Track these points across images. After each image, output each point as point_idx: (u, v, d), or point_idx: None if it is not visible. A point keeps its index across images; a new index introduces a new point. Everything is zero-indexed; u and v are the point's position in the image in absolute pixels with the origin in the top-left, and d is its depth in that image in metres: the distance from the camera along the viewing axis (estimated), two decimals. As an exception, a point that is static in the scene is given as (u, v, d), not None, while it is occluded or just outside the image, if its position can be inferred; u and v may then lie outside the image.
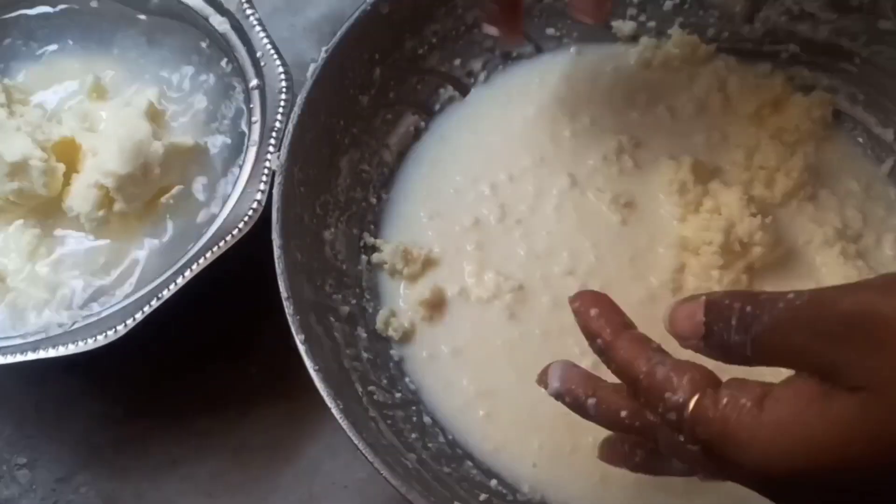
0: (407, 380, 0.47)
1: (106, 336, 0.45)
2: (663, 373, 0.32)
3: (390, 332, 0.48)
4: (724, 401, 0.30)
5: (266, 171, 0.49)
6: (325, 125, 0.48)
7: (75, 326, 0.46)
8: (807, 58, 0.54)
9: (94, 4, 0.60)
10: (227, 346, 0.54)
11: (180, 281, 0.46)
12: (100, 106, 0.56)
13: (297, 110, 0.46)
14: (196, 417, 0.52)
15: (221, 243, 0.47)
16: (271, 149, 0.50)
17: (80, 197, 0.52)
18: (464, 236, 0.50)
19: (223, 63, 0.58)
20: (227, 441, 0.52)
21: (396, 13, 0.50)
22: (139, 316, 0.46)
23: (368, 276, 0.50)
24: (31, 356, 0.46)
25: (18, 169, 0.52)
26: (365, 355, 0.46)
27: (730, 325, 0.30)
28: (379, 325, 0.48)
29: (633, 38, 0.56)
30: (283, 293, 0.42)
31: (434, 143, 0.54)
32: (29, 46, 0.61)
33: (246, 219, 0.48)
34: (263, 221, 0.47)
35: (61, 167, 0.53)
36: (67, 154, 0.54)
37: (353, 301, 0.48)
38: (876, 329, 0.27)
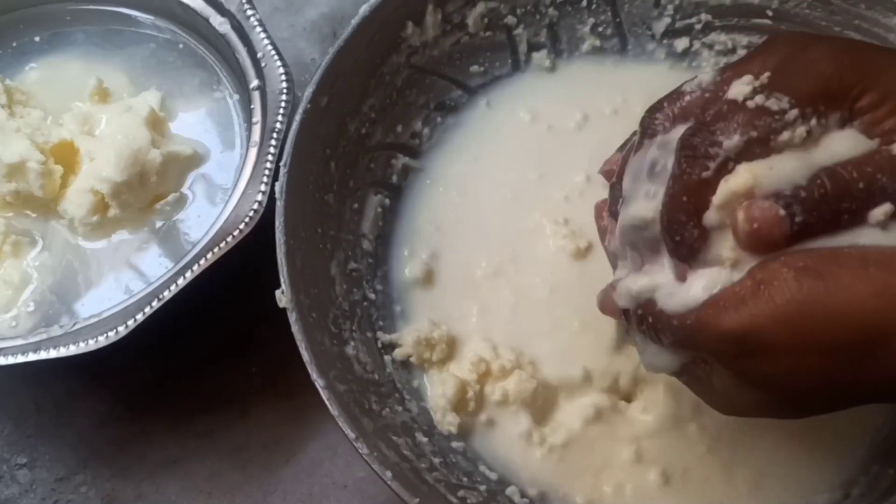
0: (482, 467, 0.45)
1: (107, 337, 0.45)
2: None
3: (447, 428, 0.46)
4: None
5: (267, 171, 0.49)
6: (307, 239, 0.46)
7: (76, 327, 0.46)
8: (720, 22, 0.54)
9: (97, 7, 0.60)
10: (227, 346, 0.54)
11: (181, 282, 0.46)
12: (101, 109, 0.56)
13: (280, 237, 0.43)
14: (196, 417, 0.53)
15: (222, 244, 0.47)
16: (272, 150, 0.50)
17: (74, 201, 0.53)
18: (469, 299, 0.50)
19: (224, 65, 0.59)
20: (227, 441, 0.52)
21: (335, 100, 0.48)
22: (140, 317, 0.46)
23: (399, 375, 0.48)
24: (32, 357, 0.46)
25: (16, 170, 0.52)
26: (436, 460, 0.44)
27: (642, 327, 0.35)
28: (438, 426, 0.46)
29: (551, 69, 0.57)
30: (351, 434, 0.39)
31: (402, 212, 0.53)
32: (31, 47, 0.61)
33: (247, 220, 0.48)
34: (264, 223, 0.47)
35: (59, 170, 0.53)
36: (66, 157, 0.54)
37: (399, 408, 0.46)
38: (756, 342, 0.30)
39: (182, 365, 0.53)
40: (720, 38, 0.55)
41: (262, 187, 0.49)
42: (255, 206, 0.48)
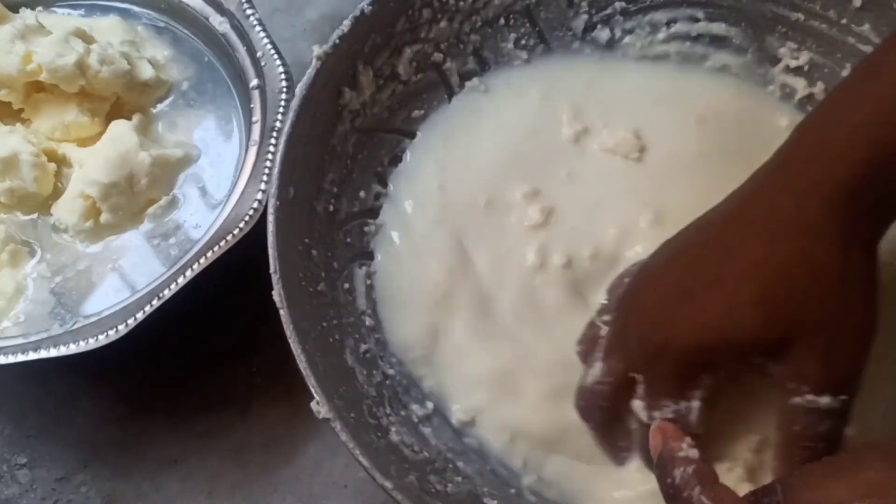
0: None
1: (107, 336, 0.45)
2: None
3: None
4: None
5: (267, 171, 0.49)
6: (318, 338, 0.44)
7: (76, 326, 0.46)
8: (634, 7, 0.56)
9: (95, 2, 0.61)
10: (226, 346, 0.54)
11: (181, 281, 0.46)
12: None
13: (297, 348, 0.41)
14: (196, 417, 0.52)
15: (222, 243, 0.47)
16: (272, 149, 0.50)
17: (66, 209, 0.52)
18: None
19: (223, 65, 0.59)
20: (227, 441, 0.52)
21: (299, 188, 0.47)
22: (140, 316, 0.46)
23: (441, 442, 0.46)
24: (31, 356, 0.46)
25: (9, 166, 0.52)
26: None
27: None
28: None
29: (486, 91, 0.56)
30: None
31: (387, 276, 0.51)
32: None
33: (246, 219, 0.48)
34: (264, 223, 0.47)
35: (52, 165, 0.53)
36: (56, 161, 0.54)
37: (459, 479, 0.44)
38: None
39: (182, 365, 0.53)
40: (640, 21, 0.56)
41: (262, 186, 0.49)
42: (255, 205, 0.48)
